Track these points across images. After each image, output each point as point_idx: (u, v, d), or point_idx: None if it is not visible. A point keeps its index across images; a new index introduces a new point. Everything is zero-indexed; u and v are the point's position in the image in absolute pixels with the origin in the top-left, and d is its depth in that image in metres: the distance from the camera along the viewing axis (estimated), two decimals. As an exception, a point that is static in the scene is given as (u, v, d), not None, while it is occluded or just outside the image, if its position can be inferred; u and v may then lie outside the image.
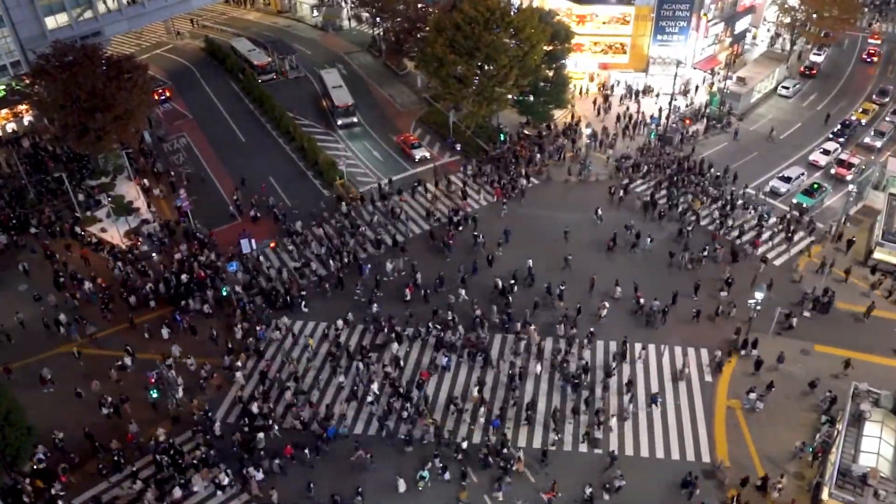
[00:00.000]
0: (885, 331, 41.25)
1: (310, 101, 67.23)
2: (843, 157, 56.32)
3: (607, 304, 42.29)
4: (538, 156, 56.77)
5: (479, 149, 58.38)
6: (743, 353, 39.78)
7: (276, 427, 36.07)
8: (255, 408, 36.66)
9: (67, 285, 44.91)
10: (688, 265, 45.75)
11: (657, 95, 64.97)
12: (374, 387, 37.73)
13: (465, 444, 34.65)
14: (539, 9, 57.80)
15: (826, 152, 57.19)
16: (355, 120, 61.51)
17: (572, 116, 62.13)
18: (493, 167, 55.80)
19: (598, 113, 63.21)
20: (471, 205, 52.10)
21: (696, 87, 66.60)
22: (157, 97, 63.32)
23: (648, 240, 47.42)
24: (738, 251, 46.53)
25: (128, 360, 39.26)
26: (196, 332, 41.61)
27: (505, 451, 34.30)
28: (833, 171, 55.58)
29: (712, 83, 66.50)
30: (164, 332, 41.16)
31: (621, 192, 52.17)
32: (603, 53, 67.19)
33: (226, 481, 33.40)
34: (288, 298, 43.47)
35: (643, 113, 62.42)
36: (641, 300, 42.50)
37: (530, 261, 45.15)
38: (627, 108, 63.42)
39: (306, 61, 74.28)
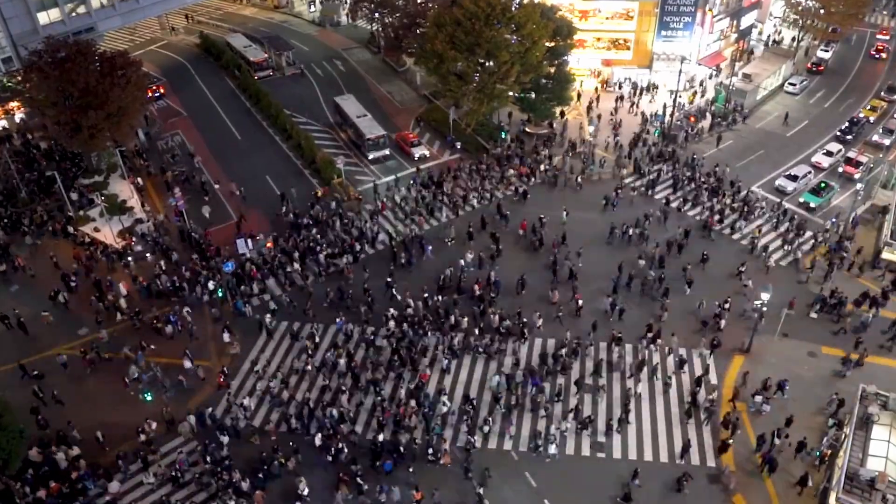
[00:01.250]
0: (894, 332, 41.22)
1: (307, 98, 67.27)
2: (851, 154, 56.32)
3: (540, 315, 41.76)
4: (510, 171, 54.84)
5: (479, 147, 58.38)
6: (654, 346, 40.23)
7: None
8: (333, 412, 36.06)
9: (81, 287, 44.54)
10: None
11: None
12: (445, 399, 37.13)
13: (381, 437, 34.74)
14: (541, 4, 57.79)
15: (829, 153, 57.15)
16: (388, 152, 57.20)
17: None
18: (443, 191, 52.68)
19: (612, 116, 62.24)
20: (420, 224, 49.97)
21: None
22: (151, 94, 63.34)
23: (564, 213, 48.39)
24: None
25: (187, 363, 39.05)
26: (271, 334, 41.55)
27: (430, 448, 34.34)
28: (841, 169, 55.58)
29: (694, 88, 66.43)
30: (226, 336, 40.96)
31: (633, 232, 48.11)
32: (606, 50, 67.24)
33: (306, 491, 32.74)
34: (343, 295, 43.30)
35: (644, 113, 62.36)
36: (580, 301, 42.28)
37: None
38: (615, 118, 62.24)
39: (304, 58, 74.34)
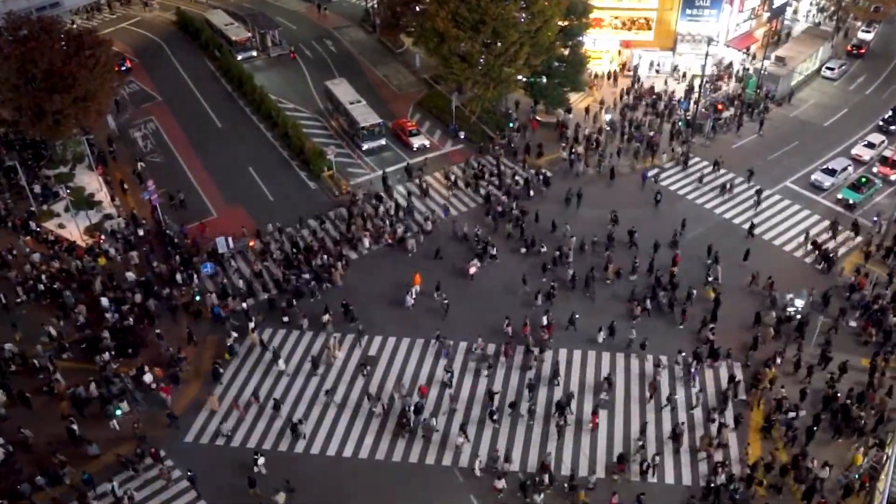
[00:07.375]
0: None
1: (295, 82, 67.36)
2: (887, 153, 55.67)
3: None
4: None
5: (484, 136, 58.41)
6: None
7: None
8: None
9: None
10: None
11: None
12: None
13: None
14: (553, -21, 57.79)
15: (871, 145, 57.01)
16: (384, 142, 57.62)
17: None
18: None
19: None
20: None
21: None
22: (117, 68, 62.40)
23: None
24: None
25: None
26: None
27: None
28: (875, 169, 55.11)
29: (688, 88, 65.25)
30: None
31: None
32: (626, 30, 67.17)
33: None
34: None
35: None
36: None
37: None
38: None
39: (291, 37, 74.40)
